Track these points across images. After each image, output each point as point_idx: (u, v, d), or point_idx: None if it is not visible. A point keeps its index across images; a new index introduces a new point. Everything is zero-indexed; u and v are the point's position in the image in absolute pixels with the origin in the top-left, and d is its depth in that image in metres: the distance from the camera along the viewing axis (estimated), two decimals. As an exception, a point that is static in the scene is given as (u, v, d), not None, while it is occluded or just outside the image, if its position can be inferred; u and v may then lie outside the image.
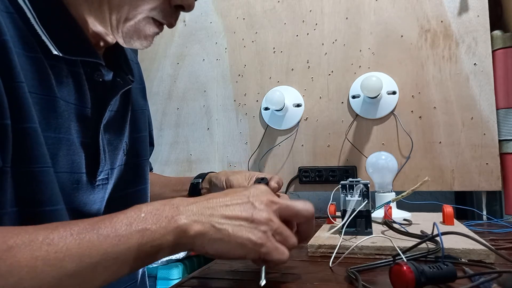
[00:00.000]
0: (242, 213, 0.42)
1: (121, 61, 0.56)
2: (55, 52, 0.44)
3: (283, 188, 1.12)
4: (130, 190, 0.58)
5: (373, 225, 0.65)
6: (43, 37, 0.43)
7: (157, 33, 0.51)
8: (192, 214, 0.40)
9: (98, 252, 0.34)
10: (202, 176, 0.72)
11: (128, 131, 0.58)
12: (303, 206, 0.46)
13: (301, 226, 0.48)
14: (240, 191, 0.44)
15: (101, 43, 0.52)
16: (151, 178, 0.71)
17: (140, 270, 0.60)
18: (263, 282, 0.42)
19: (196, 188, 0.70)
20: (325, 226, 0.73)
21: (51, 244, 0.32)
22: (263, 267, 0.43)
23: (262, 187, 0.46)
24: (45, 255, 0.32)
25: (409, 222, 0.73)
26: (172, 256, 1.17)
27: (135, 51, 1.31)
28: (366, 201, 0.61)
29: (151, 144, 0.70)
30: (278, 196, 0.50)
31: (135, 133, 0.61)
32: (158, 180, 0.75)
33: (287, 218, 0.45)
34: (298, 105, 1.13)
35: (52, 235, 0.33)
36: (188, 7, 0.50)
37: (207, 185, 0.70)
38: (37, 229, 0.33)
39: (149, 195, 0.63)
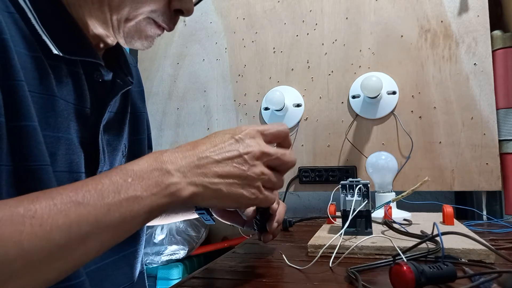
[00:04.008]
0: (235, 170, 0.41)
1: (120, 62, 0.56)
2: (55, 52, 0.44)
3: (283, 189, 1.12)
4: None
5: (373, 225, 0.65)
6: (44, 37, 0.43)
7: (158, 35, 0.52)
8: (184, 176, 0.38)
9: (87, 222, 0.32)
10: None
11: (127, 133, 0.58)
12: (290, 156, 0.45)
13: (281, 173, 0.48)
14: (229, 140, 0.42)
15: (101, 45, 0.53)
16: None
17: (137, 270, 0.59)
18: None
19: None
20: (325, 226, 0.73)
21: (35, 217, 0.30)
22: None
23: (252, 131, 0.43)
24: (30, 229, 0.30)
25: (409, 222, 0.73)
26: (172, 256, 1.17)
27: (135, 52, 1.31)
28: (366, 201, 0.61)
29: (149, 147, 0.70)
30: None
31: (134, 136, 0.61)
32: None
33: (276, 168, 0.45)
34: (298, 105, 1.13)
35: (34, 207, 0.31)
36: (187, 12, 0.50)
37: None
38: (18, 201, 0.32)
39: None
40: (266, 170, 0.43)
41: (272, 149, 0.43)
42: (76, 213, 0.32)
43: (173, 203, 0.38)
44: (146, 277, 0.64)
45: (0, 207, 0.31)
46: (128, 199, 0.35)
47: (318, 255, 0.54)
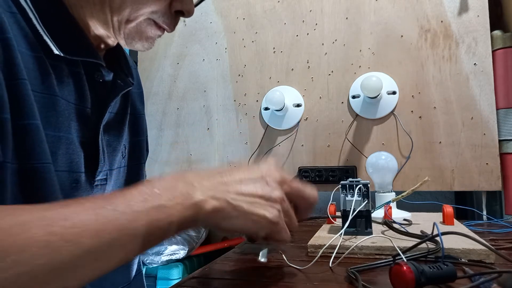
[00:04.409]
0: (257, 190, 0.41)
1: (121, 63, 0.56)
2: (56, 52, 0.44)
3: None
4: None
5: (373, 225, 0.65)
6: (45, 37, 0.43)
7: (159, 36, 0.52)
8: (208, 189, 0.39)
9: (115, 228, 0.33)
10: None
11: (127, 134, 0.58)
12: (311, 192, 0.47)
13: (301, 209, 0.48)
14: (252, 167, 0.44)
15: (102, 45, 0.53)
16: None
17: (134, 269, 0.59)
18: (263, 259, 0.43)
19: None
20: (325, 226, 0.73)
21: (66, 219, 0.31)
22: (266, 249, 0.44)
23: (273, 162, 0.46)
24: (61, 230, 0.30)
25: (409, 222, 0.73)
26: (172, 256, 1.17)
27: (135, 52, 1.31)
28: (366, 201, 0.61)
29: (146, 150, 0.70)
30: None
31: (134, 137, 0.61)
32: None
33: (293, 201, 0.46)
34: (298, 105, 1.13)
35: (66, 210, 0.32)
36: (188, 13, 0.51)
37: None
38: (49, 206, 0.32)
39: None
40: (286, 199, 0.43)
41: (291, 179, 0.45)
42: (106, 217, 0.33)
43: (196, 216, 0.38)
44: (144, 276, 0.64)
45: (30, 210, 0.31)
46: (154, 207, 0.35)
47: (318, 255, 0.54)
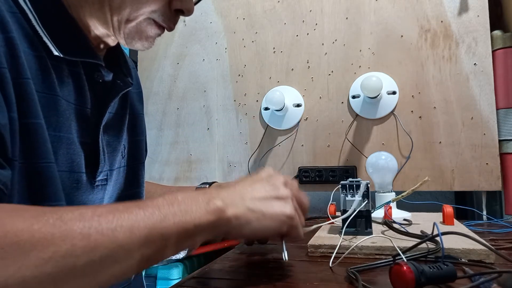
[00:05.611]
0: (269, 192, 0.45)
1: (120, 63, 0.56)
2: (56, 53, 0.44)
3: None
4: (127, 192, 0.58)
5: (373, 225, 0.65)
6: (44, 38, 0.43)
7: (158, 35, 0.52)
8: (225, 198, 0.42)
9: (146, 226, 0.34)
10: (207, 183, 0.71)
11: (126, 134, 0.58)
12: (305, 196, 0.51)
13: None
14: (256, 176, 0.48)
15: (102, 45, 0.53)
16: (150, 187, 0.71)
17: None
18: (286, 255, 0.46)
19: None
20: (325, 226, 0.73)
21: (102, 216, 0.33)
22: (284, 242, 0.47)
23: (271, 170, 0.50)
24: (97, 225, 0.32)
25: (409, 222, 0.73)
26: (172, 256, 1.17)
27: (135, 51, 1.31)
28: (366, 201, 0.61)
29: (145, 150, 0.70)
30: None
31: (133, 137, 0.61)
32: (157, 189, 0.74)
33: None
34: (298, 105, 1.13)
35: (100, 210, 0.34)
36: (188, 12, 0.51)
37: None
38: (82, 206, 0.34)
39: (144, 199, 0.63)
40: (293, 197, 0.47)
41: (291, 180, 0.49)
42: (137, 216, 0.35)
43: (219, 222, 0.40)
44: (143, 276, 0.64)
45: (68, 210, 0.33)
46: (180, 210, 0.38)
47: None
